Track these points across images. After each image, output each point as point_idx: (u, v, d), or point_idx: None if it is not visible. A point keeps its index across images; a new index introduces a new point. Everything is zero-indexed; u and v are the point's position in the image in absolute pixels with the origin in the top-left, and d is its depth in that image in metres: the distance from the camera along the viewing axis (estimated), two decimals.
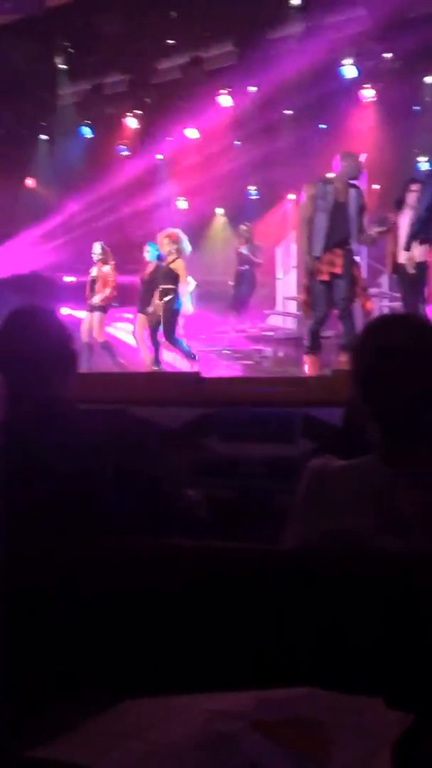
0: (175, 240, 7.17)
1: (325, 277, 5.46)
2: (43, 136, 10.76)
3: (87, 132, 10.84)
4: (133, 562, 1.26)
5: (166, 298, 7.01)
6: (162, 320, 7.08)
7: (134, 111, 10.45)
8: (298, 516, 1.29)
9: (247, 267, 8.89)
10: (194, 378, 4.96)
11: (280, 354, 9.06)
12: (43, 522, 1.34)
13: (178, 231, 7.31)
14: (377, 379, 1.28)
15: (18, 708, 1.14)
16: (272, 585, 1.17)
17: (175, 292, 7.03)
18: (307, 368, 5.78)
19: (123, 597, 1.28)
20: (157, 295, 7.16)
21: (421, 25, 7.96)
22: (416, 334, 1.29)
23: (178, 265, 7.06)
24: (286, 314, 9.78)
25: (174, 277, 7.04)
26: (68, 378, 1.55)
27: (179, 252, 7.10)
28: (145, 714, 0.74)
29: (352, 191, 5.60)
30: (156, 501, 1.45)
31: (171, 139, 10.82)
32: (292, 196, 10.34)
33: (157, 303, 7.14)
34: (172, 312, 7.01)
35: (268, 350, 9.07)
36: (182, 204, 11.72)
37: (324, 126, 10.00)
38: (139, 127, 10.74)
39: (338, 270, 5.45)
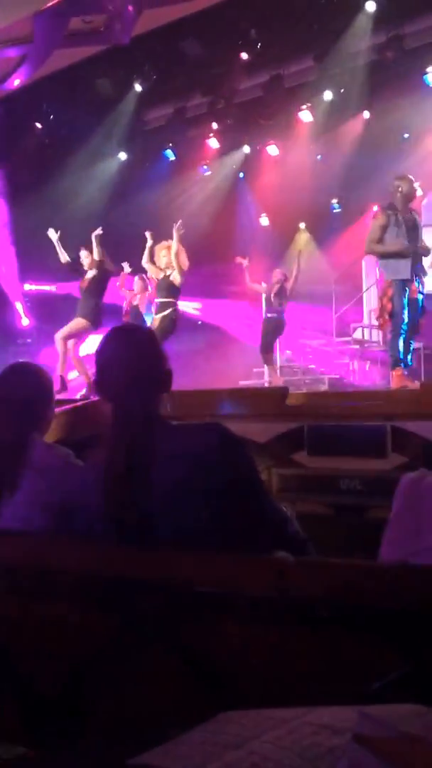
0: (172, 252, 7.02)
1: (414, 295, 5.57)
2: (123, 155, 11.03)
3: (170, 155, 11.08)
4: (231, 576, 1.27)
5: (166, 312, 6.81)
6: (161, 334, 6.67)
7: (216, 131, 10.60)
8: (394, 530, 1.27)
9: (275, 315, 8.29)
10: (280, 392, 4.95)
11: (367, 367, 8.95)
12: (148, 535, 1.37)
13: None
14: None
15: (117, 715, 1.17)
16: (370, 600, 1.15)
17: (174, 305, 6.88)
18: (393, 381, 5.73)
19: (219, 610, 1.29)
20: (153, 309, 7.03)
21: None
22: None
23: (176, 279, 6.88)
24: (373, 327, 9.65)
25: (174, 290, 6.88)
26: (163, 395, 1.58)
27: (176, 265, 6.92)
28: (246, 725, 0.73)
29: (414, 215, 5.70)
30: (253, 516, 1.46)
31: (248, 154, 10.93)
32: (375, 207, 10.25)
33: (155, 317, 6.92)
34: (172, 326, 6.84)
35: (355, 362, 8.98)
36: (264, 221, 11.77)
37: (407, 135, 9.87)
38: (220, 146, 10.89)
39: (422, 288, 5.63)
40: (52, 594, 1.45)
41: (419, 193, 5.92)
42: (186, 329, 10.04)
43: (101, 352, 1.60)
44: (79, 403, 2.50)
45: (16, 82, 8.15)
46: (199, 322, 11.02)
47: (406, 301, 5.51)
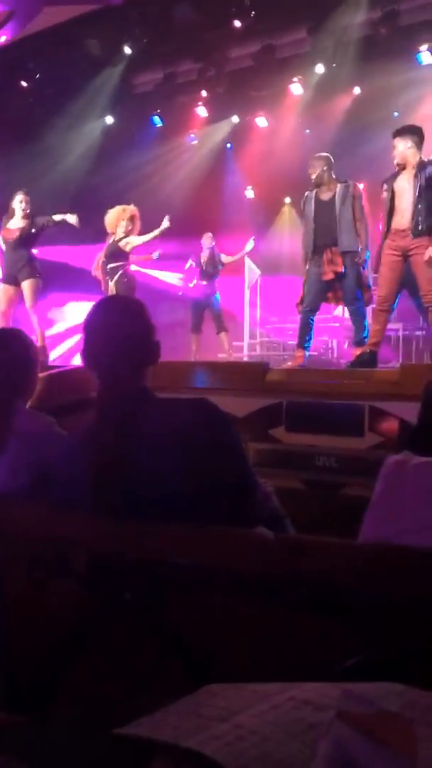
0: None
1: (330, 276, 5.63)
2: (109, 118, 10.83)
3: (157, 121, 10.90)
4: (212, 551, 1.28)
5: (117, 276, 6.99)
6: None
7: (205, 99, 10.44)
8: (375, 512, 1.29)
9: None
10: (261, 367, 4.97)
11: (346, 346, 8.98)
12: (131, 508, 1.37)
13: None
14: None
15: (97, 688, 1.18)
16: (350, 579, 1.17)
17: (124, 268, 7.10)
18: (297, 361, 5.86)
19: (199, 585, 1.30)
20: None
21: None
22: None
23: (126, 245, 7.07)
24: None
25: (124, 255, 7.04)
26: (150, 367, 1.57)
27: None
28: (230, 698, 0.75)
29: (340, 187, 5.74)
30: (235, 492, 1.47)
31: (237, 124, 10.80)
32: (361, 185, 10.19)
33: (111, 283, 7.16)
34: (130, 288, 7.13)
35: (334, 341, 9.00)
36: (250, 193, 11.68)
37: (396, 114, 9.80)
38: (208, 115, 10.75)
39: (340, 269, 5.59)
40: (31, 563, 1.46)
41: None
42: (168, 300, 10.00)
43: (89, 321, 1.59)
44: (62, 369, 2.49)
45: (2, 38, 7.95)
46: (181, 293, 10.96)
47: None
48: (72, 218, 6.70)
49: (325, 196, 5.78)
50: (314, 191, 5.88)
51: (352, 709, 0.70)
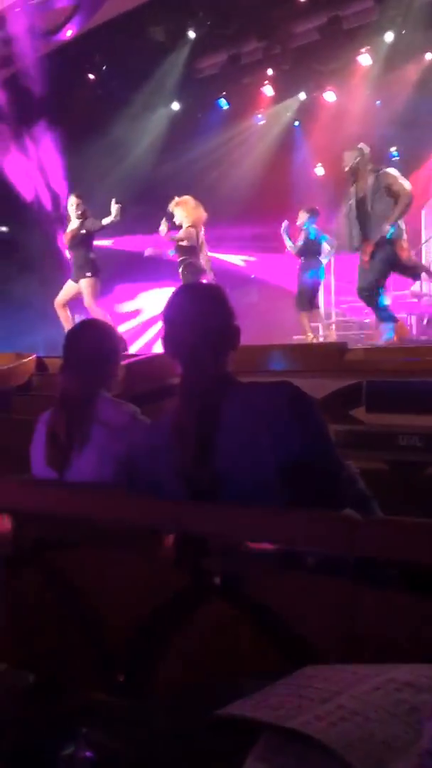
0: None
1: (368, 267, 5.72)
2: (176, 105, 10.84)
3: (223, 104, 10.85)
4: (300, 533, 1.29)
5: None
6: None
7: (271, 78, 10.30)
8: None
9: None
10: (339, 348, 4.91)
11: (425, 322, 8.77)
12: (218, 493, 1.39)
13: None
14: None
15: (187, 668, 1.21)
16: None
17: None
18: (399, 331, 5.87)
19: (288, 567, 1.31)
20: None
21: None
22: None
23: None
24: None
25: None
26: (231, 352, 1.58)
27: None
28: (330, 680, 0.75)
29: (371, 179, 5.68)
30: (322, 474, 1.46)
31: (304, 101, 10.61)
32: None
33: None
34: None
35: (412, 317, 8.79)
36: (320, 170, 11.50)
37: None
38: (275, 94, 10.61)
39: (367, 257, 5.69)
40: (124, 547, 1.50)
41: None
42: (238, 283, 10.00)
43: (169, 309, 1.60)
44: (142, 357, 2.53)
45: (68, 33, 8.06)
46: (252, 276, 10.91)
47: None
48: (113, 209, 6.67)
49: (360, 191, 5.76)
50: (353, 187, 5.83)
51: None
